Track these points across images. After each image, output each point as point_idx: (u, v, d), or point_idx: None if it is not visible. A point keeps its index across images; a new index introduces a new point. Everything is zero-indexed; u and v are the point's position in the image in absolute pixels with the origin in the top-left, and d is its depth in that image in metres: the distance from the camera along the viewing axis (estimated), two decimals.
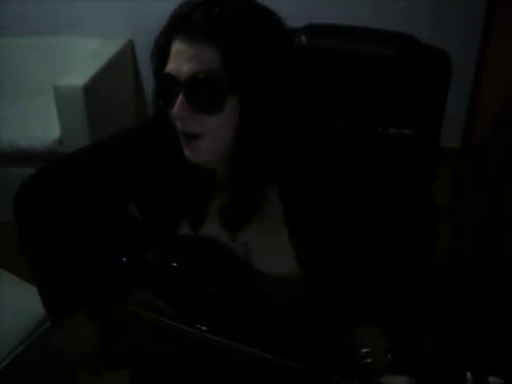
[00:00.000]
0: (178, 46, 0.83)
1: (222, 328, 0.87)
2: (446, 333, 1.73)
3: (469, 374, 0.74)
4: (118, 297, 0.95)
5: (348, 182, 0.94)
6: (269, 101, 0.83)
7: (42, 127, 2.39)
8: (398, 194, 1.02)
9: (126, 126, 1.03)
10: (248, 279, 0.93)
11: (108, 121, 2.46)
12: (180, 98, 0.82)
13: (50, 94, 2.23)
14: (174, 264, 0.94)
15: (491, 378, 0.73)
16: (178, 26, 0.84)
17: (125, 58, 2.76)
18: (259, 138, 0.86)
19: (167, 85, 0.84)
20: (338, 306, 0.93)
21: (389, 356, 0.85)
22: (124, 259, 0.97)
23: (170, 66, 0.84)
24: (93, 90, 2.27)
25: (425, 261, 1.13)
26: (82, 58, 2.52)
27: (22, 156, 2.37)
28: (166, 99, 0.86)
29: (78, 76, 2.28)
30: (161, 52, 0.86)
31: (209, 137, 0.85)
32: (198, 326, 0.88)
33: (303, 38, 1.09)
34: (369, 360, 0.83)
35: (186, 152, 0.88)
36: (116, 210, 1.01)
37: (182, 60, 0.82)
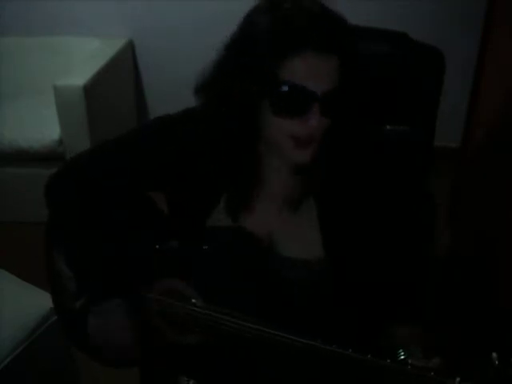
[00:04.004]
0: (308, 61, 0.83)
1: (248, 314, 0.88)
2: (446, 333, 1.73)
3: (494, 354, 0.75)
4: (144, 286, 0.97)
5: (356, 177, 0.97)
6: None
7: (41, 127, 2.39)
8: (395, 191, 1.03)
9: (163, 116, 1.03)
10: (272, 266, 0.95)
11: (108, 121, 2.47)
12: (316, 110, 0.85)
13: (50, 94, 2.23)
14: (205, 247, 0.95)
15: None
16: (305, 40, 0.83)
17: (125, 58, 2.77)
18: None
19: (297, 97, 0.85)
20: (359, 298, 0.94)
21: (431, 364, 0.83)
22: (157, 246, 0.98)
23: (302, 80, 0.83)
24: (93, 90, 2.27)
25: (426, 259, 1.14)
26: (81, 58, 2.52)
27: (22, 156, 2.38)
28: (290, 109, 0.86)
29: (78, 76, 2.29)
30: (274, 63, 0.85)
31: (319, 137, 0.89)
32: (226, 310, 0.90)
33: None
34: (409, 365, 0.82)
35: (296, 156, 0.90)
36: (144, 200, 1.03)
37: (317, 75, 0.83)
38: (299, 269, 0.95)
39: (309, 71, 0.83)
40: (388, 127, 1.12)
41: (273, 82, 0.84)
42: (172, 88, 2.86)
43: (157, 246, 0.98)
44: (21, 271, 1.49)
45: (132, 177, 1.00)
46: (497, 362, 0.75)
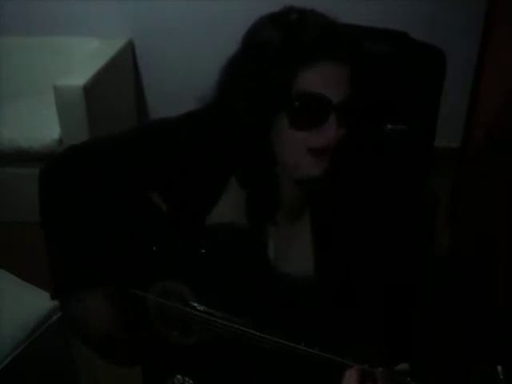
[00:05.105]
0: (321, 71, 0.83)
1: (245, 316, 0.88)
2: (446, 333, 1.73)
3: (499, 368, 0.74)
4: (141, 286, 0.96)
5: (359, 181, 0.96)
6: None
7: (41, 127, 2.39)
8: (394, 191, 1.03)
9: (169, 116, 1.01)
10: (267, 277, 0.94)
11: (108, 121, 2.47)
12: (332, 118, 0.84)
13: (50, 94, 2.23)
14: (203, 250, 0.94)
15: None
16: (317, 50, 0.82)
17: (125, 58, 2.76)
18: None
19: (314, 106, 0.84)
20: (348, 312, 0.93)
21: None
22: (154, 248, 0.97)
23: (318, 87, 0.83)
24: (93, 90, 2.27)
25: (425, 259, 1.14)
26: (81, 58, 2.52)
27: (22, 156, 2.38)
28: (307, 119, 0.85)
29: (78, 76, 2.28)
30: (287, 75, 0.84)
31: (333, 148, 0.87)
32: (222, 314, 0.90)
33: None
34: None
35: (310, 169, 0.88)
36: (142, 198, 1.01)
37: (331, 85, 0.83)
38: (289, 282, 0.94)
39: (323, 81, 0.83)
40: (388, 126, 1.12)
41: (289, 92, 0.83)
42: (172, 88, 2.87)
43: (154, 248, 0.97)
44: (21, 271, 1.49)
45: (129, 174, 0.99)
46: (502, 377, 0.74)
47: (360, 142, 0.97)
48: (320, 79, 0.83)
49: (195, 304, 0.93)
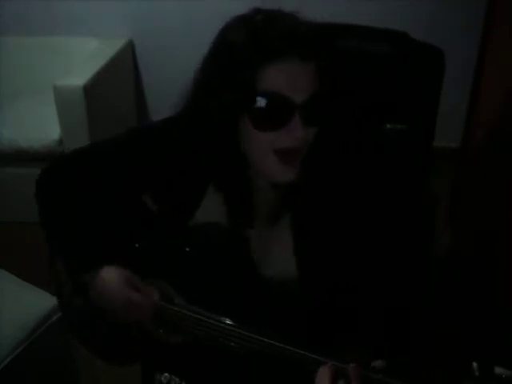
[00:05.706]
0: (284, 69, 0.81)
1: (228, 316, 0.88)
2: (445, 333, 1.73)
3: (475, 364, 0.72)
4: None
5: (350, 182, 0.95)
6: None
7: (41, 127, 2.39)
8: (394, 191, 1.03)
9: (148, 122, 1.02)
10: (252, 279, 0.94)
11: (108, 121, 2.47)
12: (297, 118, 0.82)
13: (50, 94, 2.23)
14: (187, 249, 0.94)
15: (497, 369, 0.72)
16: (279, 48, 0.81)
17: (125, 58, 2.77)
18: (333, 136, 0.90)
19: (276, 107, 0.82)
20: (334, 314, 0.93)
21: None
22: (136, 245, 0.96)
23: (280, 89, 0.81)
24: (93, 90, 2.27)
25: (425, 259, 1.14)
26: (81, 58, 2.52)
27: (22, 156, 2.38)
28: (270, 120, 0.83)
29: (78, 76, 2.29)
30: (250, 74, 0.82)
31: (304, 149, 0.86)
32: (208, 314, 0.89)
33: None
34: None
35: (280, 175, 0.86)
36: (132, 197, 1.01)
37: (295, 83, 0.81)
38: (273, 285, 0.94)
39: (286, 80, 0.81)
40: (388, 126, 1.12)
41: (250, 92, 0.82)
42: (172, 88, 2.84)
43: (136, 245, 0.97)
44: (21, 271, 1.49)
45: (122, 176, 0.99)
46: (477, 373, 0.72)
47: (357, 140, 0.96)
48: (282, 78, 0.81)
49: (181, 303, 0.93)
